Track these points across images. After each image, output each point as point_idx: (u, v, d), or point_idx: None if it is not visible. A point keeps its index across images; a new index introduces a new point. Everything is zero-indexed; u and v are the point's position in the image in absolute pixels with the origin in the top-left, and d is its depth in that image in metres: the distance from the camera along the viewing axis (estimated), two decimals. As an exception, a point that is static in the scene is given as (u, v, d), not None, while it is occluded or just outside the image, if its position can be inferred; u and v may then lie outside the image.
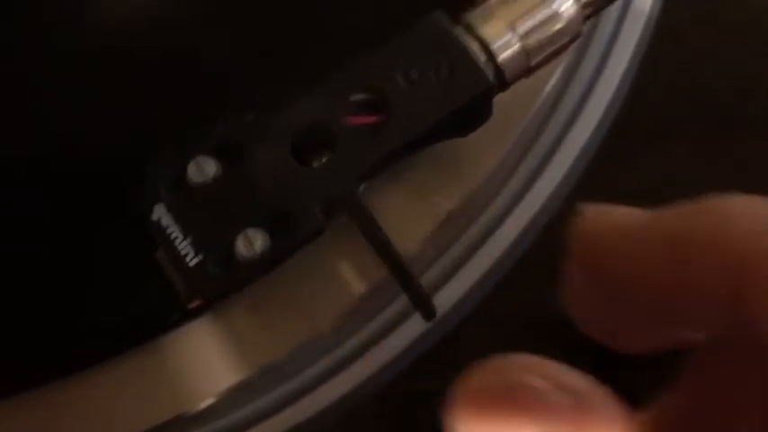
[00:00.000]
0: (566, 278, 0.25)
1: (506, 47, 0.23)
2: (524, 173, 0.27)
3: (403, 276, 0.21)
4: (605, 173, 0.30)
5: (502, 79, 0.23)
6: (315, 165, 0.22)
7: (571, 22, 0.23)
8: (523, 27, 0.23)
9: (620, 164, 0.30)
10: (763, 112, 0.32)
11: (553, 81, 0.28)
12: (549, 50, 0.23)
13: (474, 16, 0.23)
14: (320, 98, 0.22)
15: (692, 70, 0.32)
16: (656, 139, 0.32)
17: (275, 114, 0.22)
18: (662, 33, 0.31)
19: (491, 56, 0.23)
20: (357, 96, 0.23)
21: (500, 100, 0.23)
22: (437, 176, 0.25)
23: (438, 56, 0.23)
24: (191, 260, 0.22)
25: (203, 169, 0.22)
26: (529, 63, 0.23)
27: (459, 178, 0.26)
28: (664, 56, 0.31)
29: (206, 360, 0.25)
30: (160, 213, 0.22)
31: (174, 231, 0.22)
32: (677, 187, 0.31)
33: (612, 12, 0.29)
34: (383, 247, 0.21)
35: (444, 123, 0.23)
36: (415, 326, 0.26)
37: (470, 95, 0.22)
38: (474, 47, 0.23)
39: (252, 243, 0.22)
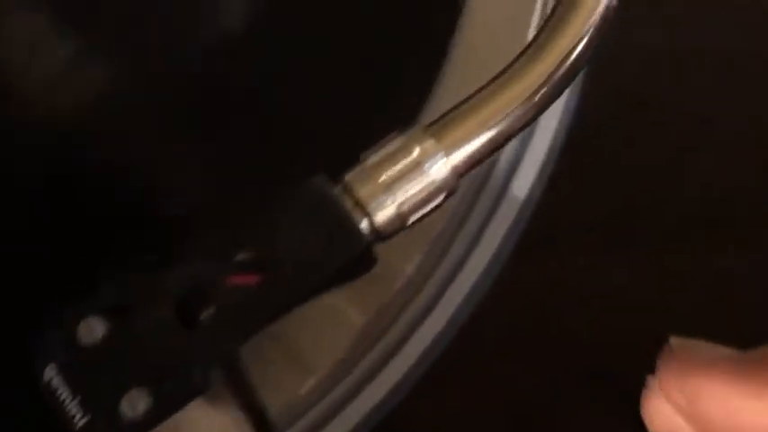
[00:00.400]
0: (648, 399, 0.26)
1: (382, 207, 0.23)
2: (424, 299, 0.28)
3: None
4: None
5: (380, 236, 0.24)
6: (201, 319, 0.23)
7: (444, 182, 0.24)
8: (398, 188, 0.23)
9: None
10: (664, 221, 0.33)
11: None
12: (425, 209, 0.24)
13: (352, 177, 0.24)
14: (202, 259, 0.23)
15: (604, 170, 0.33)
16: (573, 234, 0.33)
17: (159, 275, 0.23)
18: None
19: (367, 215, 0.23)
20: (239, 257, 0.23)
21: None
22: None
23: (317, 217, 0.23)
24: (78, 421, 0.23)
25: (93, 330, 0.23)
26: (406, 221, 0.24)
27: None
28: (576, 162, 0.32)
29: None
30: (51, 374, 0.23)
31: (64, 392, 0.23)
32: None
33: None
34: (254, 413, 0.22)
35: (325, 281, 0.24)
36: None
37: (348, 255, 0.23)
38: (351, 208, 0.23)
39: (135, 404, 0.23)
